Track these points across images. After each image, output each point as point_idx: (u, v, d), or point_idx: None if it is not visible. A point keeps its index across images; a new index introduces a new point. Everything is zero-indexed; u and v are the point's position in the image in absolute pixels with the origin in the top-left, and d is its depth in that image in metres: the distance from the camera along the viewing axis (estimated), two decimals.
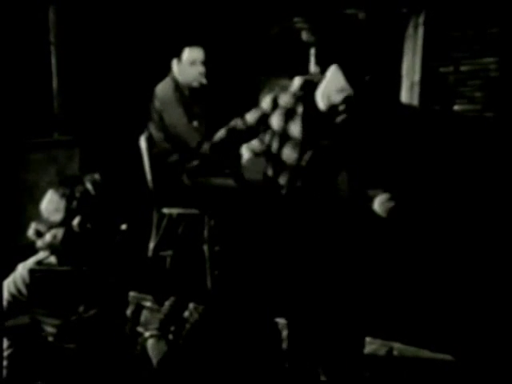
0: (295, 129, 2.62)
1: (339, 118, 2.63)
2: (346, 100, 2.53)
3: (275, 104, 2.69)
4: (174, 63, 3.36)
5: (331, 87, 2.55)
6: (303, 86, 2.67)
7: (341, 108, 2.56)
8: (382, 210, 2.51)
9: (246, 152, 3.18)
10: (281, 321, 2.59)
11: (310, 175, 2.62)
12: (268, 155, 2.70)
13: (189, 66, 3.31)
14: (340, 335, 2.55)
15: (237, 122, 2.78)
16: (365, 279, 2.95)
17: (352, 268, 2.69)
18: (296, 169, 2.61)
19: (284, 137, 2.64)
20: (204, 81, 3.35)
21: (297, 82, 2.68)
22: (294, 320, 2.56)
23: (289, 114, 2.64)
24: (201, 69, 3.32)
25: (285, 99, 2.66)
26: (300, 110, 2.61)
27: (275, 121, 2.67)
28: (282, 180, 2.64)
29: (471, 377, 2.46)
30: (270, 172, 2.69)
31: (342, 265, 2.63)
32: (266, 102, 2.72)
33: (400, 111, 4.37)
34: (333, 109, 2.58)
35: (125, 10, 4.33)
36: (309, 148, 2.59)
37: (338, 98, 2.54)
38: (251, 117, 2.75)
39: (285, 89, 2.74)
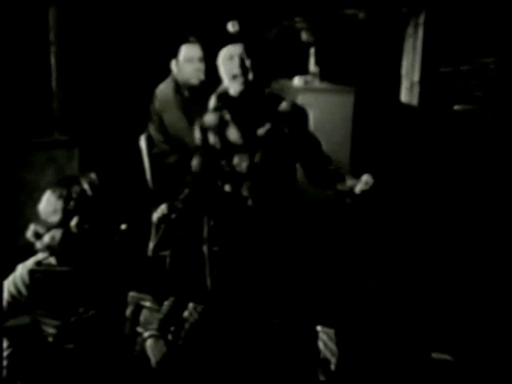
0: (233, 136, 2.53)
1: (284, 106, 2.54)
2: (241, 64, 2.46)
3: (204, 129, 2.61)
4: (173, 63, 3.35)
5: (220, 62, 2.52)
6: (219, 99, 2.59)
7: (237, 73, 2.46)
8: (360, 186, 2.44)
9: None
10: (280, 320, 2.60)
11: (267, 176, 2.53)
12: (221, 173, 2.59)
13: (186, 63, 3.30)
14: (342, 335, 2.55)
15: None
16: (364, 278, 2.96)
17: (349, 267, 2.69)
18: (251, 174, 2.52)
19: (226, 149, 2.55)
20: (202, 77, 3.33)
21: (212, 99, 2.62)
22: (293, 320, 2.56)
23: (221, 127, 2.56)
24: (198, 65, 3.30)
25: (209, 118, 2.59)
26: (228, 116, 2.54)
27: (212, 140, 2.59)
28: (245, 191, 2.54)
29: (471, 377, 2.46)
30: (227, 188, 2.59)
31: (339, 264, 2.63)
32: (196, 138, 2.65)
33: (399, 111, 4.37)
34: (241, 86, 2.49)
35: (125, 10, 4.33)
36: (255, 148, 2.51)
37: (230, 64, 2.49)
38: (197, 163, 2.67)
39: (204, 111, 2.66)
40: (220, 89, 2.61)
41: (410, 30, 4.31)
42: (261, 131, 2.51)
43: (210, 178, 2.62)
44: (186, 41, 3.33)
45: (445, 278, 3.34)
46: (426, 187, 4.06)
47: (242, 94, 2.51)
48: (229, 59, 2.49)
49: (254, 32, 2.70)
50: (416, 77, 4.29)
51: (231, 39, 2.55)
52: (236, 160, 2.53)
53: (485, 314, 2.95)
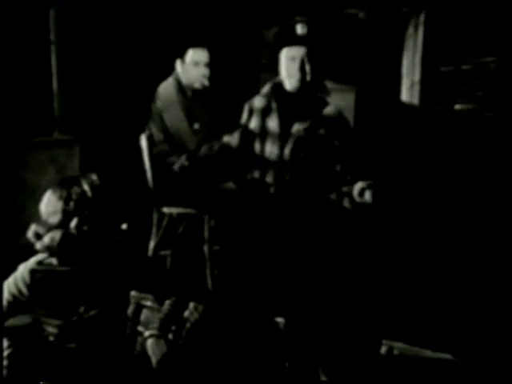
0: (272, 123, 2.66)
1: (328, 110, 2.65)
2: (301, 65, 2.59)
3: (251, 110, 2.77)
4: (178, 63, 3.35)
5: (282, 60, 2.63)
6: (273, 88, 2.71)
7: (295, 74, 2.58)
8: (363, 198, 2.48)
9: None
10: (281, 320, 2.60)
11: (294, 168, 2.63)
12: (251, 157, 2.72)
13: (192, 67, 3.30)
14: (343, 336, 2.55)
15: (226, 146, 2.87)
16: (365, 278, 2.96)
17: (351, 266, 2.69)
18: (280, 164, 2.63)
19: (263, 135, 2.68)
20: (206, 83, 3.34)
21: (267, 86, 2.76)
22: (293, 319, 2.56)
23: (264, 113, 2.70)
24: (204, 71, 3.31)
25: (258, 101, 2.74)
26: (274, 105, 2.66)
27: (253, 123, 2.73)
28: (269, 178, 2.65)
29: (472, 377, 2.46)
30: (256, 174, 2.70)
31: (341, 263, 2.64)
32: (243, 117, 2.81)
33: (400, 111, 4.37)
34: (297, 83, 2.61)
35: (125, 9, 4.33)
36: (288, 140, 2.62)
37: (290, 65, 2.60)
38: (235, 139, 2.82)
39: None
40: (277, 79, 2.71)
41: (410, 30, 4.31)
42: (299, 126, 2.62)
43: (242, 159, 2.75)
44: (193, 44, 3.32)
45: (447, 278, 3.34)
46: (427, 186, 4.06)
47: (296, 89, 2.63)
48: (291, 60, 2.61)
49: (319, 36, 2.80)
50: (416, 76, 4.29)
51: (296, 40, 2.64)
52: (268, 147, 2.66)
53: (484, 313, 2.95)
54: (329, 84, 4.19)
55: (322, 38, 2.86)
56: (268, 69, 4.47)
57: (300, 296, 2.56)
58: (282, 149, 2.63)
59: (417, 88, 4.30)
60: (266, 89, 2.76)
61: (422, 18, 4.21)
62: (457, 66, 4.16)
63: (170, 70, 3.40)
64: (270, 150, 2.65)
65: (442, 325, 2.85)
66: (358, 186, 2.47)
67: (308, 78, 2.61)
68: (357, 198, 2.47)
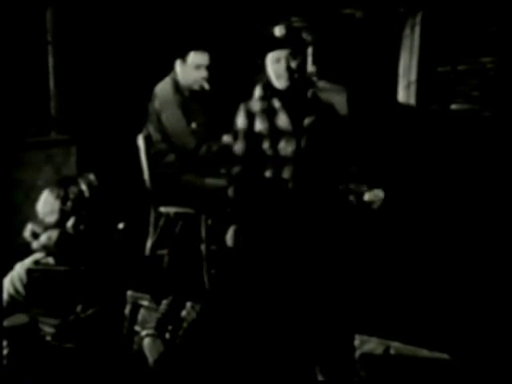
0: (282, 122, 2.69)
1: (308, 93, 2.73)
2: (287, 67, 2.64)
3: (250, 115, 2.75)
4: (178, 64, 3.35)
5: (268, 64, 2.68)
6: (266, 90, 2.74)
7: (282, 74, 2.63)
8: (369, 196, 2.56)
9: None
10: (277, 320, 2.60)
11: (311, 161, 2.67)
12: (263, 157, 2.73)
13: (194, 69, 3.33)
14: (336, 334, 2.55)
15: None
16: (362, 277, 2.96)
17: (350, 265, 2.70)
18: (296, 159, 2.66)
19: (274, 135, 2.70)
20: (207, 86, 3.39)
21: (257, 89, 2.78)
22: (291, 319, 2.56)
23: (269, 114, 2.71)
24: (204, 73, 3.35)
25: (256, 105, 2.75)
26: (278, 104, 2.70)
27: (259, 126, 2.73)
28: (286, 174, 2.68)
29: (469, 376, 2.47)
30: (268, 173, 2.71)
31: (341, 261, 2.64)
32: (240, 123, 2.78)
33: (397, 111, 4.38)
34: (286, 82, 2.65)
35: (123, 9, 4.33)
36: (303, 134, 2.67)
37: (276, 66, 2.65)
38: (240, 146, 2.78)
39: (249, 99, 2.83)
40: (264, 79, 2.75)
41: (407, 30, 4.31)
42: (309, 120, 2.67)
43: (253, 162, 2.76)
44: (196, 47, 3.34)
45: (444, 279, 3.35)
46: (423, 186, 4.07)
47: (287, 88, 2.67)
48: (276, 62, 2.66)
49: (299, 36, 2.85)
50: (413, 76, 4.30)
51: (278, 43, 2.68)
52: (282, 144, 2.68)
53: (482, 313, 2.96)
54: (325, 84, 4.22)
55: (301, 38, 2.89)
56: (262, 70, 4.48)
57: (300, 295, 2.57)
58: (298, 143, 2.67)
59: (413, 88, 4.31)
60: (259, 92, 2.78)
61: (418, 18, 4.22)
62: (453, 66, 4.17)
63: (168, 70, 3.40)
64: (285, 147, 2.67)
65: (438, 324, 2.85)
66: (369, 196, 2.52)
67: (296, 75, 2.65)
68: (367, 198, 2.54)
